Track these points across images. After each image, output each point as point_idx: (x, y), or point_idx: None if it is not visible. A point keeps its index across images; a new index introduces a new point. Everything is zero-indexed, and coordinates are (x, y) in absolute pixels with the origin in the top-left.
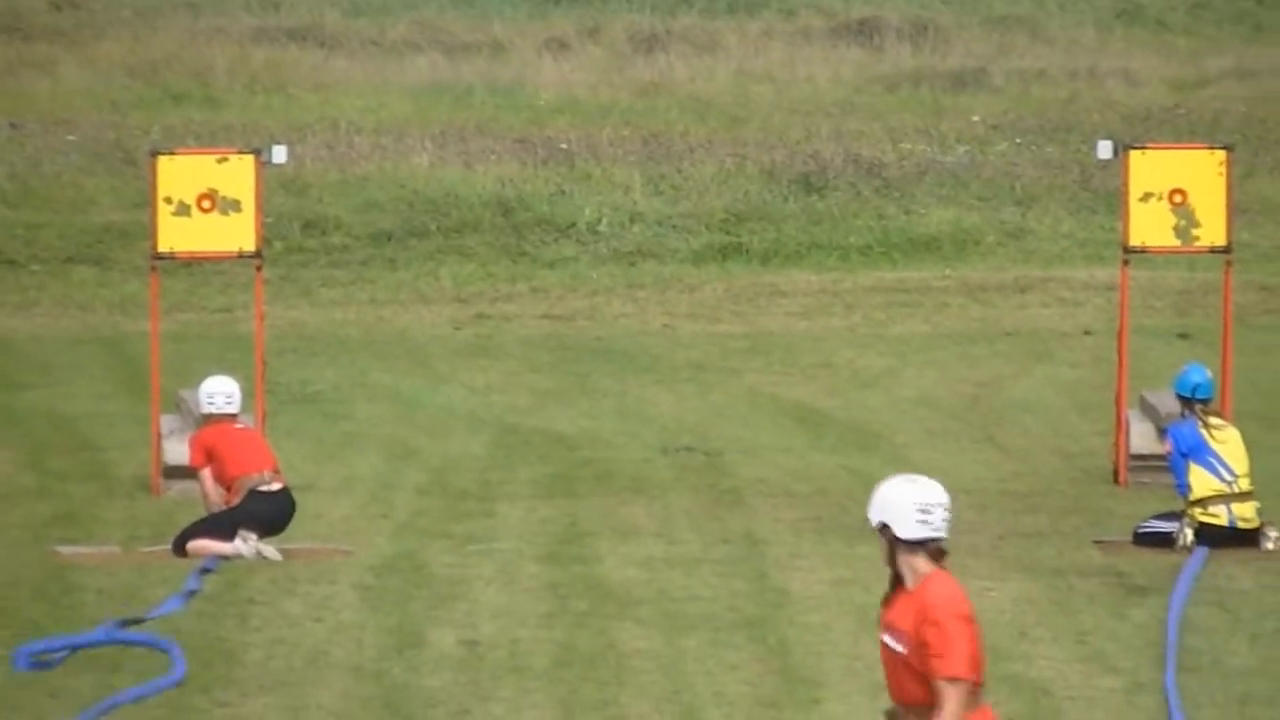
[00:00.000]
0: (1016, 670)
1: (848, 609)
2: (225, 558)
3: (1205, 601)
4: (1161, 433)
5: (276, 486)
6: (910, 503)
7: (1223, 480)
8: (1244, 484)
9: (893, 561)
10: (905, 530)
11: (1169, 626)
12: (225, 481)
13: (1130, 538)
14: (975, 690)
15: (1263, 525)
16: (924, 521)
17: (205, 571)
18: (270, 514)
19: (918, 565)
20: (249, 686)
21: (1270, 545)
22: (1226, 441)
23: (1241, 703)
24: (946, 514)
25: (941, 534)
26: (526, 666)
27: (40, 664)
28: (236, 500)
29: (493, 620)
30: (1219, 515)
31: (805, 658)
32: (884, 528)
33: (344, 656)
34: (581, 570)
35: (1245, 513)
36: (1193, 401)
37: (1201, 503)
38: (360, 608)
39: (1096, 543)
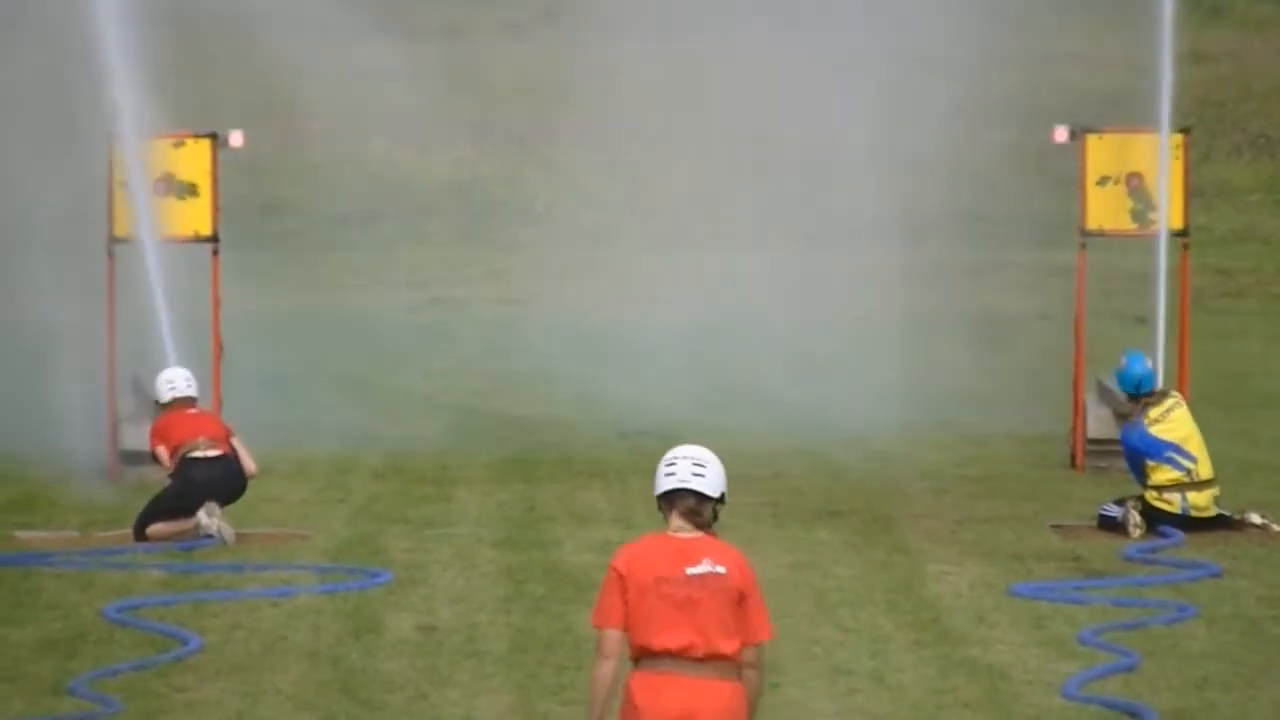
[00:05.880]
0: (974, 654)
1: (805, 593)
2: (186, 533)
3: (1164, 585)
4: (1119, 417)
5: (213, 452)
6: (662, 462)
7: (1181, 469)
8: (1203, 471)
9: None
10: (656, 487)
11: None
12: (171, 455)
13: (1087, 522)
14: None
15: (1244, 511)
16: (669, 474)
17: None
18: (205, 478)
19: (674, 525)
20: (206, 671)
21: (1257, 520)
22: (1176, 427)
23: (1200, 686)
24: (697, 467)
25: (685, 484)
26: (484, 651)
27: None
28: (174, 468)
29: (450, 605)
30: (1172, 502)
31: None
32: None
33: (301, 641)
34: (539, 555)
35: (1200, 501)
36: (1139, 398)
37: (1158, 489)
38: (317, 592)
39: (1054, 527)
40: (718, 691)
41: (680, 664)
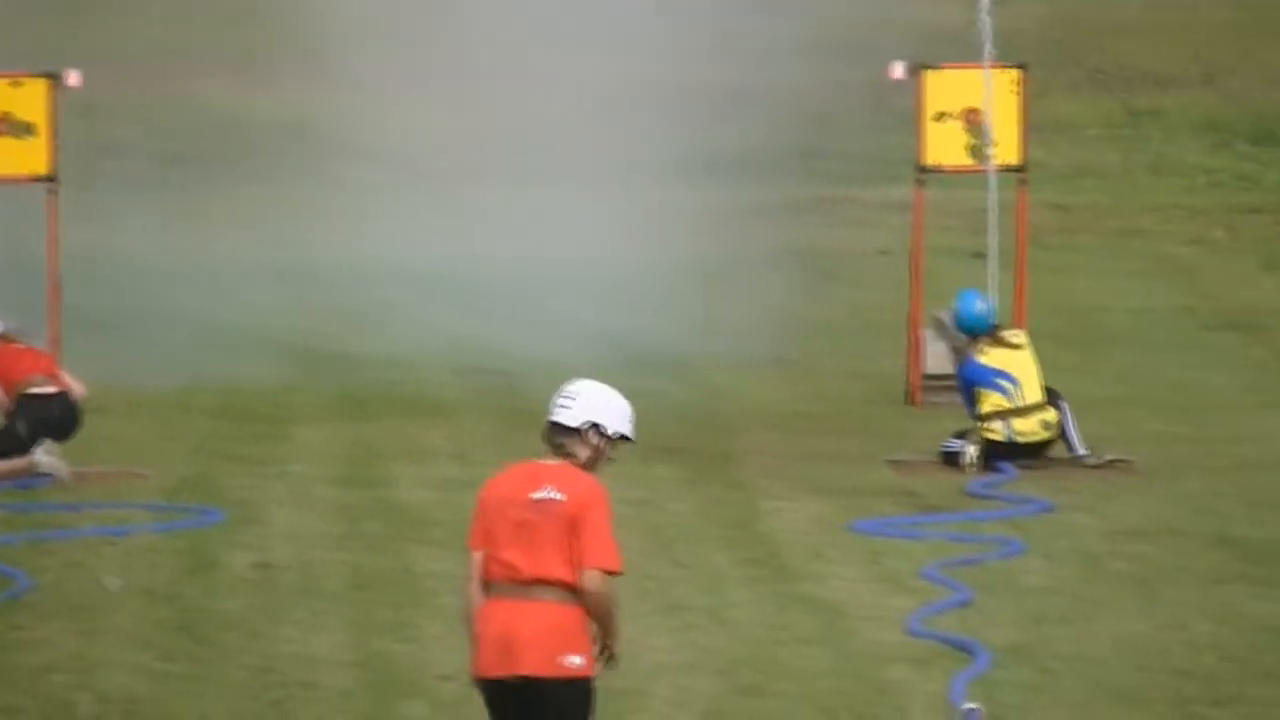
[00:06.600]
0: (810, 590)
1: (642, 529)
2: (22, 471)
3: (1000, 521)
4: (956, 353)
5: (51, 389)
6: None
7: (1005, 394)
8: (1029, 395)
9: None
10: None
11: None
12: (8, 392)
13: (924, 457)
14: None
15: (1093, 451)
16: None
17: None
18: (46, 415)
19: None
20: (43, 610)
21: (1090, 462)
22: (1003, 355)
23: (1036, 621)
24: (564, 399)
25: (550, 416)
26: (320, 589)
27: None
28: (12, 406)
29: (286, 543)
30: (997, 431)
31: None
32: None
33: (138, 579)
34: (375, 492)
35: (1025, 427)
36: (978, 336)
37: (985, 418)
38: (153, 531)
39: (890, 463)
40: (538, 612)
41: (512, 589)
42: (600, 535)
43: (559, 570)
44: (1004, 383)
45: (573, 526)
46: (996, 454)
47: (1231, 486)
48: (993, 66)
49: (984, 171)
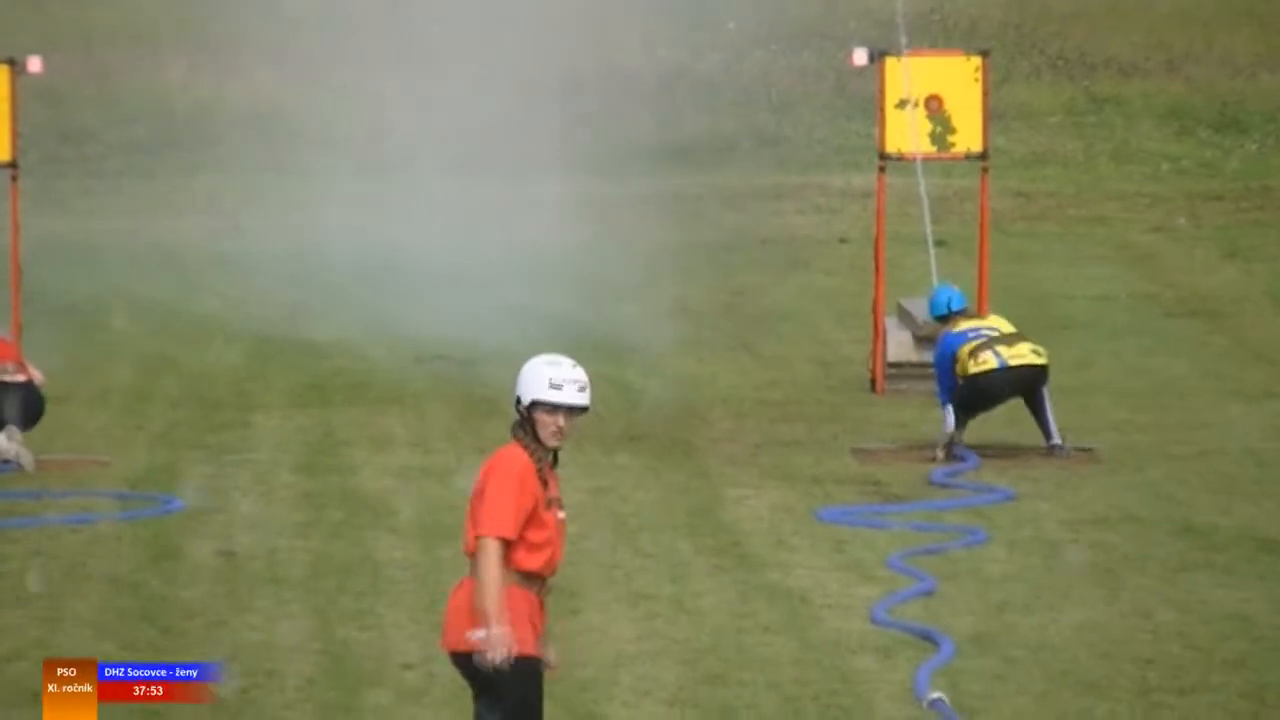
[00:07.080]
0: (774, 579)
1: (605, 518)
2: None
3: (963, 509)
4: (919, 340)
5: (19, 378)
6: None
7: (985, 337)
8: (1005, 329)
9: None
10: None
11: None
12: None
13: (888, 446)
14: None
15: (1057, 443)
16: None
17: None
18: (10, 402)
19: None
20: (6, 598)
21: (1064, 455)
22: (978, 322)
23: (1000, 610)
24: None
25: None
26: (283, 577)
27: None
28: None
29: (249, 531)
30: (988, 360)
31: (563, 567)
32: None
33: (101, 568)
34: (337, 480)
35: (1011, 351)
36: (951, 316)
37: (973, 355)
38: (117, 519)
39: (854, 451)
40: (460, 588)
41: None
42: (483, 502)
43: (471, 545)
44: (981, 330)
45: (479, 499)
46: (991, 388)
47: (1194, 474)
48: (954, 54)
49: (945, 159)
